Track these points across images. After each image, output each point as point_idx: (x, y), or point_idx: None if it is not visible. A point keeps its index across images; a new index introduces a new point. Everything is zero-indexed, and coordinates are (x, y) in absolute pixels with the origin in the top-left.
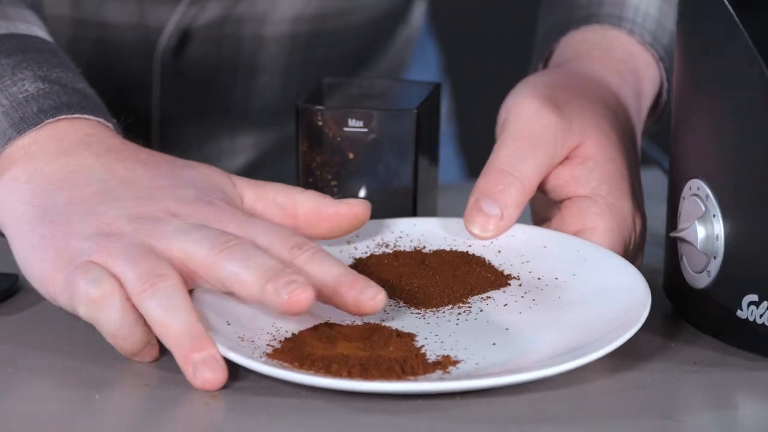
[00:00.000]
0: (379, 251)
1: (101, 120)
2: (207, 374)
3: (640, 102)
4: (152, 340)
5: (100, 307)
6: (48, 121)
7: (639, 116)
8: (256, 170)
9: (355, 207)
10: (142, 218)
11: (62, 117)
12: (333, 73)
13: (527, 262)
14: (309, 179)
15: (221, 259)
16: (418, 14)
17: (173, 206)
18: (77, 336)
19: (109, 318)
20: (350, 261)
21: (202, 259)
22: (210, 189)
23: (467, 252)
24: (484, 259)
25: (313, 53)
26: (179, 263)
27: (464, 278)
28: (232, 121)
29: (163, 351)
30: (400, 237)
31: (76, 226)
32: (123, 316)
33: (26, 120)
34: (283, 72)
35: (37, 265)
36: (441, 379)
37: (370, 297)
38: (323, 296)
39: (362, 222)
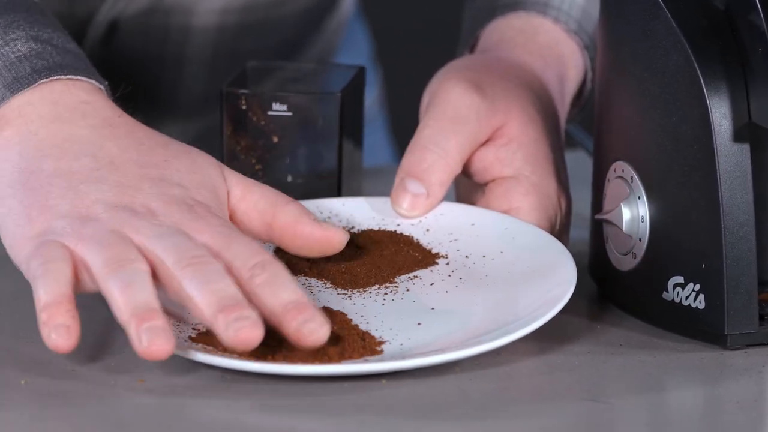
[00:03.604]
0: None
1: (93, 82)
2: (153, 341)
3: (563, 87)
4: (73, 325)
5: (44, 274)
6: (42, 81)
7: (562, 101)
8: None
9: (330, 233)
10: (119, 207)
11: (55, 78)
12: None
13: (455, 240)
14: (233, 163)
15: (183, 275)
16: (348, 1)
17: (154, 204)
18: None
19: (42, 286)
20: None
21: (167, 268)
22: (198, 186)
23: (395, 231)
24: (412, 238)
25: (240, 44)
26: (148, 260)
27: (392, 258)
28: (158, 111)
29: (84, 339)
30: (329, 217)
31: (53, 200)
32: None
33: (19, 80)
34: (209, 62)
35: (10, 230)
36: (365, 360)
37: (310, 332)
38: (271, 323)
39: (335, 249)
